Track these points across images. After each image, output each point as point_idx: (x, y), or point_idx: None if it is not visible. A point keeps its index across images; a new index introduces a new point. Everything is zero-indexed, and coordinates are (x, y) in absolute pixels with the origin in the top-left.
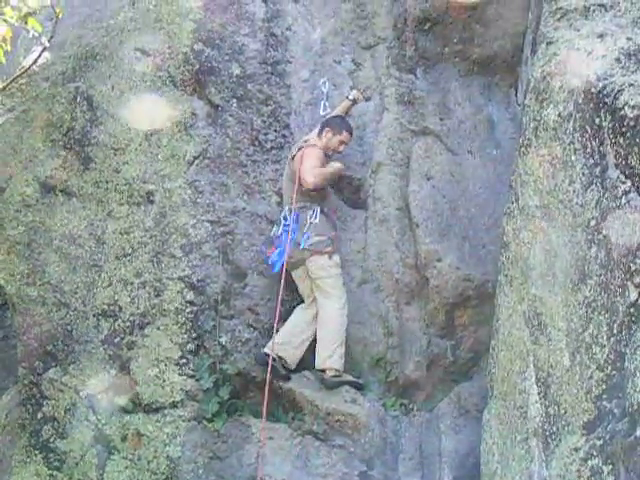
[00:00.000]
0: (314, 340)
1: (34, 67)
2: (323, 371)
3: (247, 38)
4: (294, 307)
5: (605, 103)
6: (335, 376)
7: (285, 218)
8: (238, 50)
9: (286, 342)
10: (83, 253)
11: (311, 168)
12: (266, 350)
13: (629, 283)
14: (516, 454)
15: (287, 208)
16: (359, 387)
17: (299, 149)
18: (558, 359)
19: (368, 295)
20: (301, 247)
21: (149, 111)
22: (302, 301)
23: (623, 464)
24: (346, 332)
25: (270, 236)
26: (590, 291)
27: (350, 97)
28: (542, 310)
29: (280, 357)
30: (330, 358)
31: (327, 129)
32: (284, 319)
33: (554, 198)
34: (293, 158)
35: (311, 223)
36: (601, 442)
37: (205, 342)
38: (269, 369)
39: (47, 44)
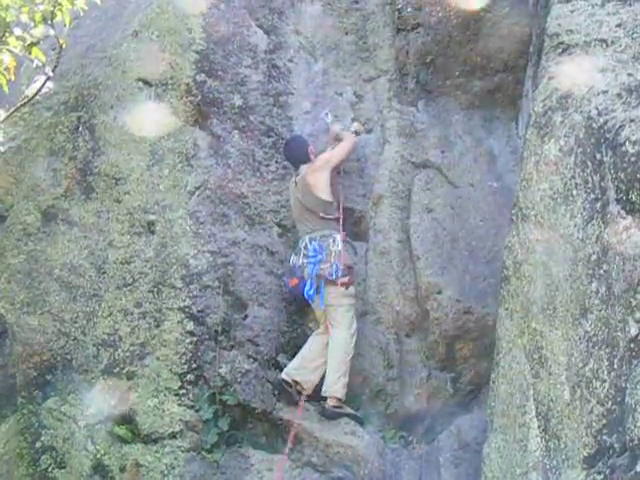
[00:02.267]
0: None
1: (37, 96)
2: (325, 399)
3: (249, 70)
4: (295, 338)
5: (606, 138)
6: (336, 407)
7: (306, 247)
8: (240, 81)
9: (302, 367)
10: (84, 282)
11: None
12: (283, 376)
13: (630, 318)
14: None
15: (307, 237)
16: (359, 421)
17: (298, 176)
18: (558, 393)
19: (368, 327)
20: (333, 278)
21: (151, 141)
22: (303, 331)
23: None
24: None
25: (290, 266)
26: (591, 326)
27: (351, 129)
28: (543, 344)
29: (296, 382)
30: (333, 386)
31: (309, 149)
32: (284, 350)
33: (555, 232)
34: (296, 184)
35: (337, 251)
36: (601, 477)
37: (205, 373)
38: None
39: (51, 74)
